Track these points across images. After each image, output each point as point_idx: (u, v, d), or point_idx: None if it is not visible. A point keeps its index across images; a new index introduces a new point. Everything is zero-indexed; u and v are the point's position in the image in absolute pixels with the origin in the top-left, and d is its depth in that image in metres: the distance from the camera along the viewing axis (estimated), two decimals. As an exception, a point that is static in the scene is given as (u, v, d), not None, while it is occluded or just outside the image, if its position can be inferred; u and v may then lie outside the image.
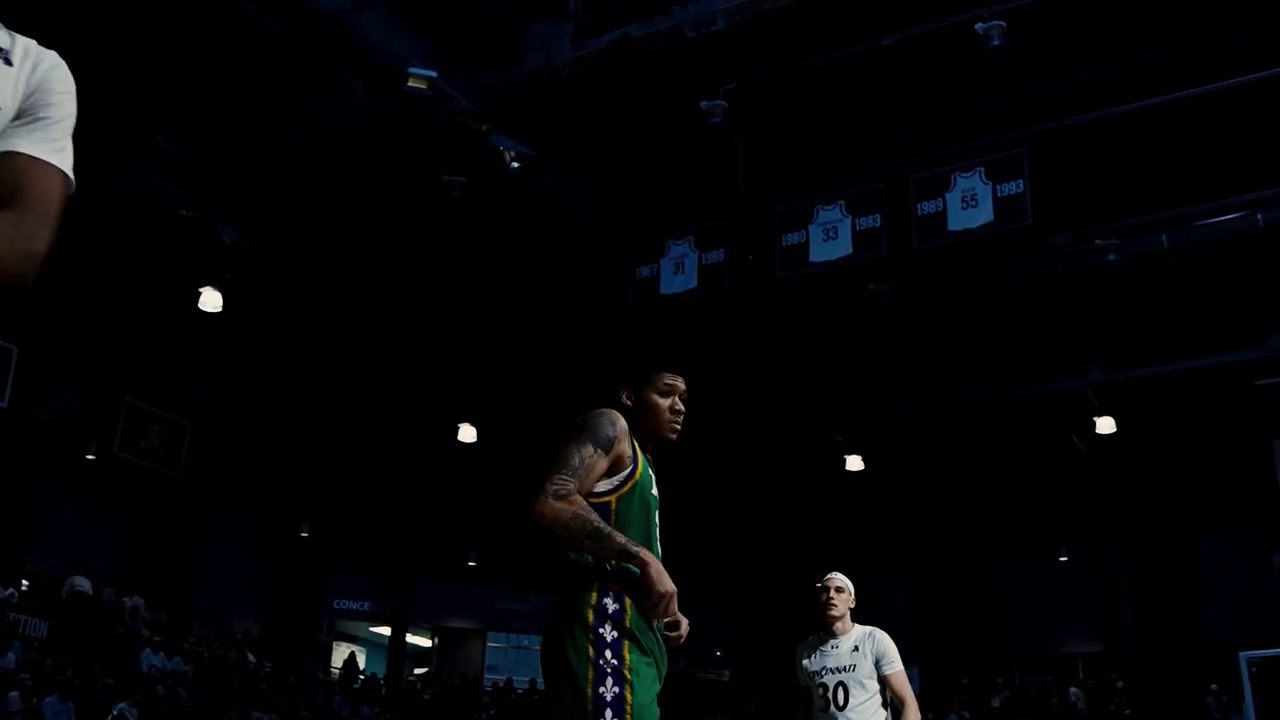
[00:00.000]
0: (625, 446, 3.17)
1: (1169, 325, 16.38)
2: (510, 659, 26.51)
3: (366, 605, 25.18)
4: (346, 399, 21.64)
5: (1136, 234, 14.02)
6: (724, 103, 12.87)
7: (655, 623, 3.11)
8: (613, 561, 3.04)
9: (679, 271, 15.10)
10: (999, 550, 23.98)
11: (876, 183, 14.25)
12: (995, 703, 21.29)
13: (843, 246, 14.17)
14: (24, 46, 1.64)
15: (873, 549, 23.56)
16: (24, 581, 18.03)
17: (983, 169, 13.45)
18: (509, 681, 24.21)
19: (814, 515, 23.42)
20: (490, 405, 20.57)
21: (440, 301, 17.98)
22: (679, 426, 3.34)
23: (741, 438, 20.10)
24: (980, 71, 13.48)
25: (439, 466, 23.07)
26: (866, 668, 5.21)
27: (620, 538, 2.98)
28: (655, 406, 3.29)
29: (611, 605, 3.05)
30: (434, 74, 12.21)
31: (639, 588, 2.99)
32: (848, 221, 14.19)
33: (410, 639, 25.98)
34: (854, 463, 20.23)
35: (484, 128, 12.96)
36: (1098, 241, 14.02)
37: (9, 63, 1.61)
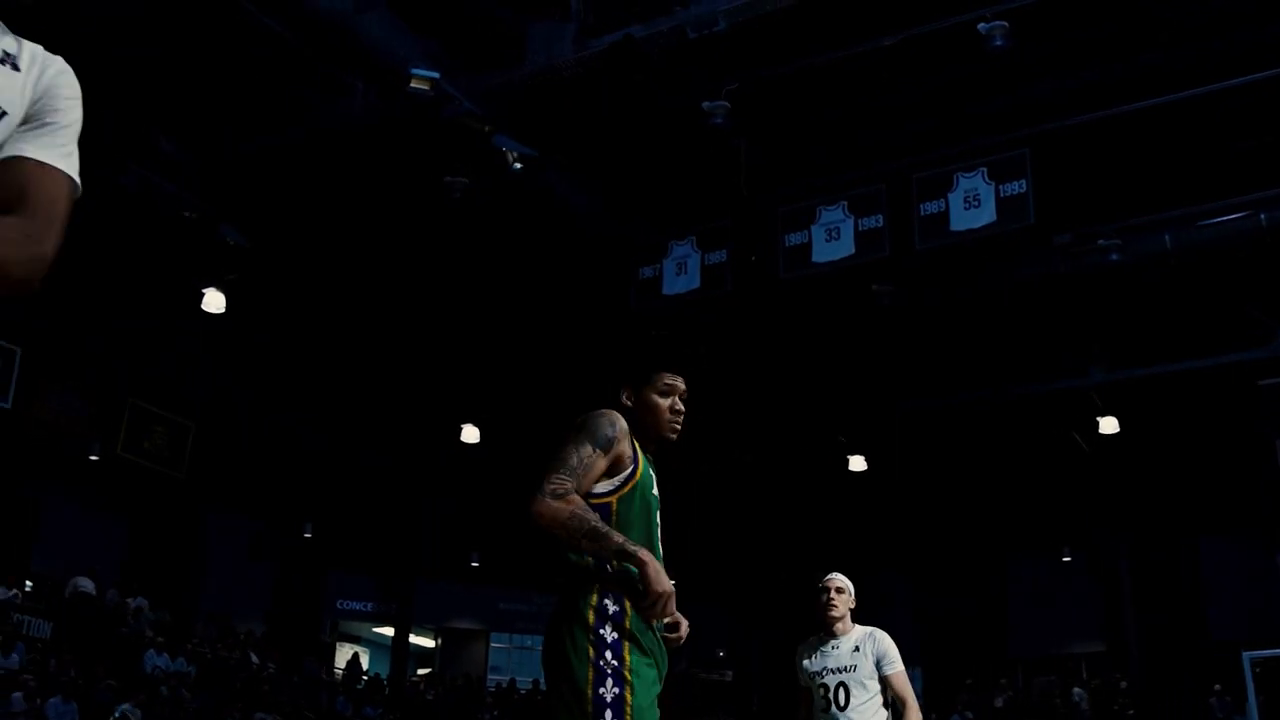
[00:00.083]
0: (625, 447, 3.16)
1: (1172, 325, 16.37)
2: (513, 659, 26.53)
3: (370, 606, 25.20)
4: (349, 400, 21.66)
5: (1139, 234, 14.01)
6: (726, 103, 12.87)
7: (655, 623, 3.11)
8: (614, 562, 3.04)
9: (681, 272, 15.10)
10: (1002, 550, 23.98)
11: (879, 183, 14.24)
12: (998, 703, 21.28)
13: (845, 247, 14.16)
14: (31, 52, 1.65)
15: (875, 549, 23.56)
16: (28, 582, 18.05)
17: (985, 169, 13.44)
18: (512, 682, 24.21)
19: (816, 516, 23.42)
20: (493, 406, 20.58)
21: (443, 302, 18.00)
22: (679, 427, 3.33)
23: (744, 438, 20.09)
24: (983, 71, 13.47)
25: (442, 467, 23.09)
26: (867, 668, 5.22)
27: (618, 537, 2.98)
28: (655, 407, 3.29)
29: (612, 606, 3.05)
30: (436, 75, 12.21)
31: (637, 588, 2.98)
32: (850, 222, 14.19)
33: (413, 639, 26.00)
34: (857, 463, 20.23)
35: (486, 128, 12.96)
36: (1100, 242, 14.01)
37: (16, 68, 1.62)
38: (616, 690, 2.96)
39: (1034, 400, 17.86)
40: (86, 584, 17.81)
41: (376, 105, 13.08)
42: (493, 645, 26.71)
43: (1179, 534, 22.05)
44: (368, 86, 12.99)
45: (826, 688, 5.24)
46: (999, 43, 11.57)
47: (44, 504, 18.85)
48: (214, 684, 17.64)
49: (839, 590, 5.39)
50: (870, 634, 5.32)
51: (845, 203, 14.26)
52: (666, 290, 15.11)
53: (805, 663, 5.38)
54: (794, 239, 14.44)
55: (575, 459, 3.05)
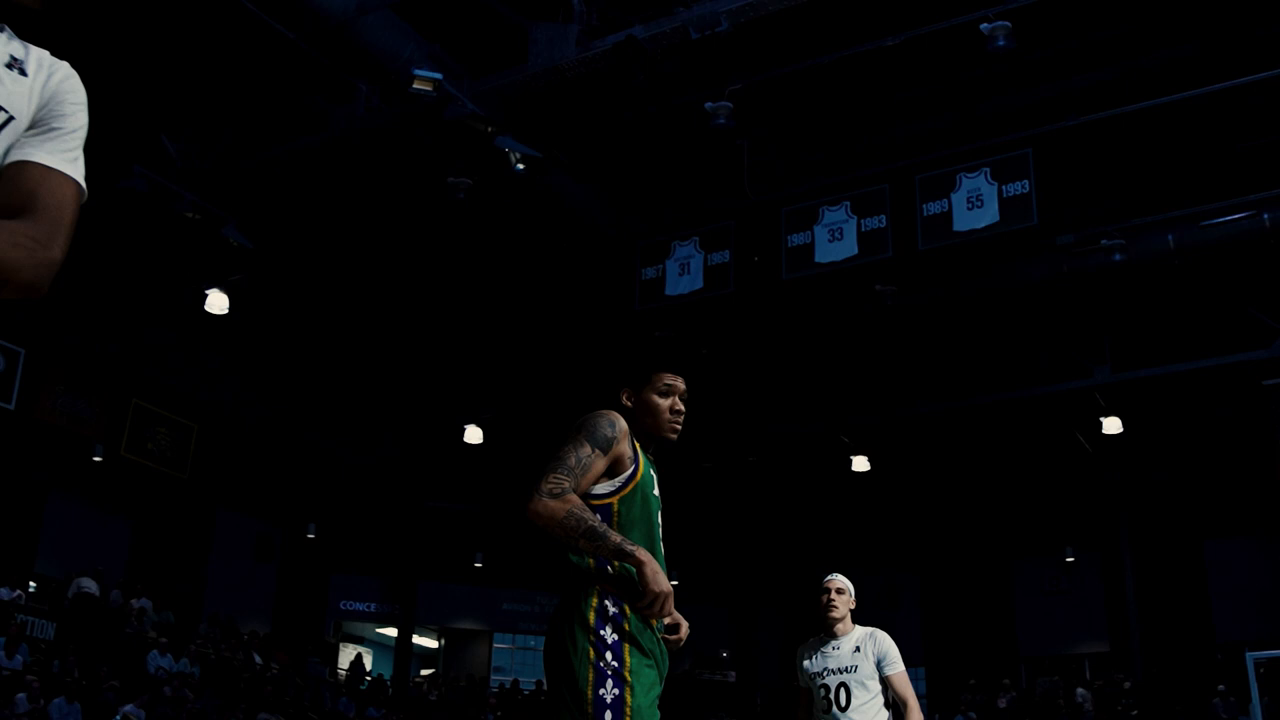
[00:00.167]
0: (625, 447, 3.16)
1: (1175, 326, 16.36)
2: (517, 660, 26.53)
3: (373, 606, 25.22)
4: (353, 400, 21.68)
5: (1143, 234, 14.00)
6: (729, 104, 12.88)
7: (655, 624, 3.12)
8: (616, 563, 3.04)
9: (684, 272, 15.10)
10: (1006, 551, 23.97)
11: (882, 183, 14.25)
12: (1002, 703, 21.26)
13: (848, 247, 14.16)
14: (38, 57, 1.66)
15: (879, 550, 23.57)
16: (31, 583, 18.07)
17: (988, 169, 13.44)
18: (515, 682, 24.21)
19: (821, 516, 23.42)
20: (496, 407, 20.60)
21: (446, 303, 18.01)
22: (679, 427, 3.33)
23: (747, 438, 20.09)
24: (985, 72, 13.48)
25: (445, 468, 23.09)
26: (868, 668, 5.22)
27: (616, 536, 2.98)
28: (655, 407, 3.29)
29: (612, 608, 3.05)
30: (439, 76, 12.23)
31: (634, 588, 2.99)
32: (853, 222, 14.19)
33: (417, 640, 26.01)
34: (860, 463, 20.22)
35: (489, 129, 12.96)
36: (1104, 242, 14.00)
37: (24, 73, 1.63)
38: (616, 691, 2.96)
39: (1038, 400, 17.84)
40: (90, 584, 17.81)
41: (380, 107, 13.09)
42: (496, 646, 26.71)
43: (1184, 534, 22.03)
44: (371, 88, 13.00)
45: (827, 688, 5.24)
46: (1001, 43, 11.57)
47: (48, 505, 18.86)
48: (217, 685, 17.66)
49: (839, 591, 5.40)
50: (871, 634, 5.33)
51: (848, 203, 14.26)
52: (669, 291, 15.11)
53: (806, 663, 5.39)
54: (797, 239, 14.44)
55: (574, 459, 3.06)
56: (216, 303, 16.08)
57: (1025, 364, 17.78)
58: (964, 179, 13.55)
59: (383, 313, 18.58)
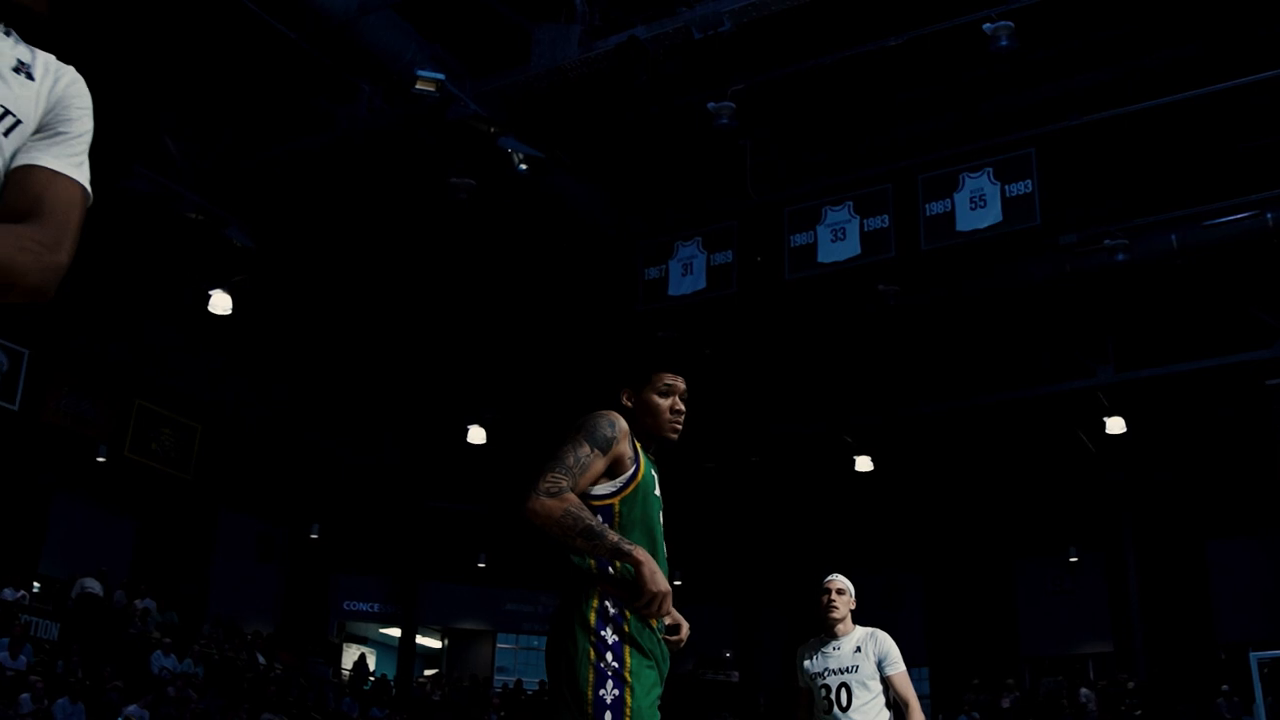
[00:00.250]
0: (625, 447, 3.16)
1: (1179, 325, 16.34)
2: (520, 660, 26.53)
3: (376, 607, 25.23)
4: (356, 401, 21.70)
5: (1145, 234, 14.00)
6: (732, 104, 12.89)
7: (656, 625, 3.12)
8: (617, 564, 3.05)
9: (687, 273, 15.11)
10: (1009, 551, 23.94)
11: (884, 183, 14.25)
12: (1005, 703, 21.25)
13: (851, 247, 14.17)
14: (44, 62, 1.67)
15: (883, 550, 23.55)
16: (35, 583, 18.09)
17: (991, 169, 13.44)
18: (519, 683, 24.22)
19: (824, 516, 23.41)
20: (500, 407, 20.61)
21: (449, 304, 18.02)
22: (680, 427, 3.33)
23: (751, 439, 20.09)
24: (988, 72, 13.48)
25: (448, 468, 23.11)
26: (869, 668, 5.22)
27: (613, 535, 2.98)
28: (655, 407, 3.29)
29: (613, 609, 3.05)
30: (442, 76, 12.24)
31: (633, 588, 2.99)
32: (856, 222, 14.19)
33: (420, 640, 26.03)
34: (863, 463, 20.22)
35: (492, 130, 12.97)
36: (1107, 242, 13.99)
37: (31, 77, 1.64)
38: (617, 692, 2.97)
39: (1041, 400, 17.84)
40: (94, 585, 17.84)
41: (382, 107, 13.10)
42: (499, 646, 26.71)
43: (1187, 534, 22.01)
44: (374, 89, 13.02)
45: (828, 688, 5.25)
46: (1004, 43, 11.57)
47: (52, 505, 18.88)
48: (221, 685, 17.68)
49: (840, 591, 5.40)
50: (871, 634, 5.33)
51: (851, 203, 14.26)
52: (672, 291, 15.12)
53: (806, 664, 5.39)
54: (799, 239, 14.45)
55: (572, 458, 3.06)
56: (220, 303, 16.10)
57: (1028, 364, 17.77)
58: (967, 179, 13.55)
59: (386, 313, 18.59)
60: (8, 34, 1.65)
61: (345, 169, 14.70)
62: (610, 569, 3.07)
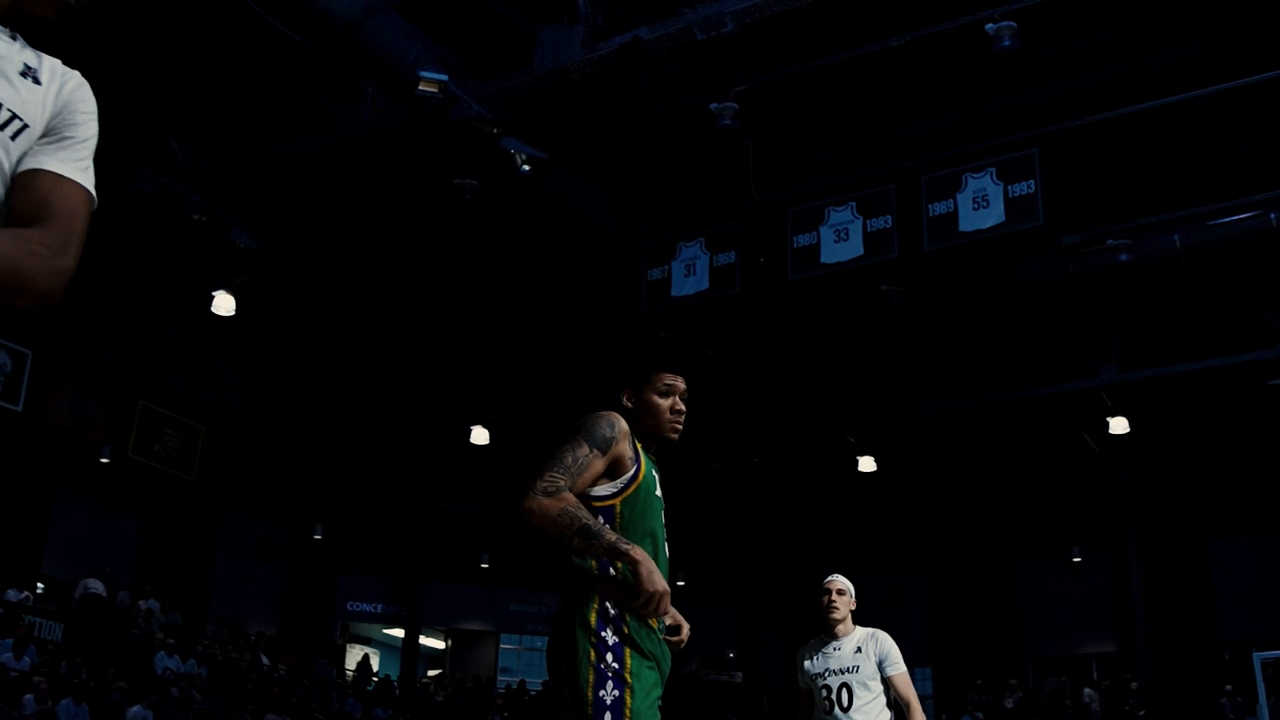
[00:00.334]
0: (625, 448, 3.16)
1: (1182, 325, 16.33)
2: (523, 660, 26.54)
3: (379, 607, 25.25)
4: (359, 402, 21.71)
5: (1148, 234, 13.99)
6: (734, 104, 12.88)
7: (657, 626, 3.12)
8: (618, 565, 3.05)
9: (690, 273, 15.11)
10: (1013, 551, 23.93)
11: (887, 184, 14.25)
12: (1009, 703, 21.23)
13: (854, 248, 14.17)
14: (50, 66, 1.68)
15: (886, 550, 23.55)
16: (39, 584, 18.12)
17: (994, 169, 13.44)
18: (522, 683, 24.23)
19: (828, 517, 23.41)
20: (502, 407, 20.62)
21: (452, 304, 18.03)
22: (680, 427, 3.33)
23: (753, 439, 20.09)
24: (991, 72, 13.46)
25: (451, 469, 23.13)
26: (870, 669, 5.23)
27: (611, 535, 2.98)
28: (655, 407, 3.29)
29: (613, 610, 3.06)
30: (445, 77, 12.24)
31: (633, 589, 2.99)
32: (859, 223, 14.19)
33: (423, 641, 26.04)
34: (866, 464, 20.21)
35: (495, 131, 12.98)
36: (1109, 242, 13.98)
37: (38, 81, 1.65)
38: (617, 693, 2.97)
39: (1044, 400, 17.83)
40: (97, 586, 17.86)
41: (386, 108, 13.12)
42: (502, 646, 26.73)
43: (1191, 534, 21.99)
44: (377, 90, 13.03)
45: (829, 689, 5.25)
46: (1007, 43, 11.56)
47: (55, 506, 18.91)
48: (225, 686, 17.69)
49: (840, 592, 5.41)
50: (872, 635, 5.34)
51: (854, 203, 14.26)
52: (675, 292, 15.13)
53: (807, 664, 5.39)
54: (802, 240, 14.45)
55: (570, 458, 3.06)
56: (223, 304, 16.11)
57: (1031, 364, 17.76)
58: (970, 179, 13.55)
59: (389, 314, 18.61)
60: (14, 38, 1.65)
61: (348, 170, 14.72)
62: (611, 570, 3.07)
